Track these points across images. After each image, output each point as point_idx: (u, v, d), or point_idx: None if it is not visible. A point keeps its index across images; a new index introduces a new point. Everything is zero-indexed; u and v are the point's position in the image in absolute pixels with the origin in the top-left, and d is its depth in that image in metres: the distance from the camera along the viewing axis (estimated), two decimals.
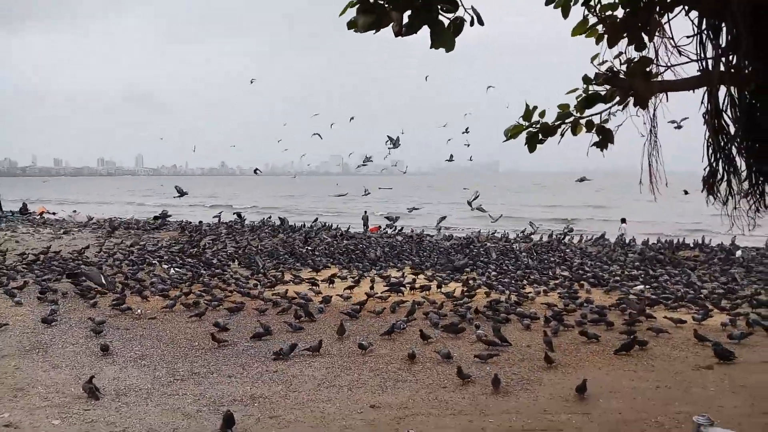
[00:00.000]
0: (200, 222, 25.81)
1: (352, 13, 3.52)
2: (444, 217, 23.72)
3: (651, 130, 5.21)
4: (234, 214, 26.64)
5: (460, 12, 3.62)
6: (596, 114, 5.14)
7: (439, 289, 12.49)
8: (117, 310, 10.44)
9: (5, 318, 9.95)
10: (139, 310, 10.21)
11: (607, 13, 4.78)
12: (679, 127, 13.76)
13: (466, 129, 21.83)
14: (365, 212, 26.53)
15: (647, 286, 12.81)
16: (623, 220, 22.86)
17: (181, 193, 21.21)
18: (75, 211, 35.46)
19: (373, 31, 3.54)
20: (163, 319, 10.03)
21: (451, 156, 21.35)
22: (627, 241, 20.74)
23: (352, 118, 25.39)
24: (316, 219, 25.94)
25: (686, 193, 15.53)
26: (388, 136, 19.56)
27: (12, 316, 10.18)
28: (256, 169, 24.70)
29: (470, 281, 13.14)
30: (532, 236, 22.26)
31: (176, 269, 14.62)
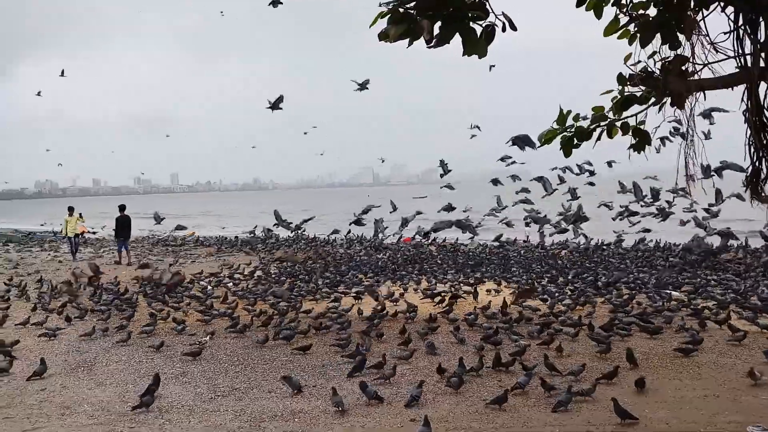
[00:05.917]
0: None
1: (382, 24, 3.54)
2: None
3: (688, 130, 5.10)
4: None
5: (491, 18, 3.60)
6: (632, 116, 5.05)
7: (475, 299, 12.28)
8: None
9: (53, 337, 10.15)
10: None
11: (639, 12, 4.71)
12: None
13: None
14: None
15: (683, 292, 12.48)
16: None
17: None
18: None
19: (406, 43, 3.53)
20: (203, 335, 10.11)
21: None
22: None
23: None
24: (344, 231, 24.34)
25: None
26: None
27: (58, 335, 10.36)
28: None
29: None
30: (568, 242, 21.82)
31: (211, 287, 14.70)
